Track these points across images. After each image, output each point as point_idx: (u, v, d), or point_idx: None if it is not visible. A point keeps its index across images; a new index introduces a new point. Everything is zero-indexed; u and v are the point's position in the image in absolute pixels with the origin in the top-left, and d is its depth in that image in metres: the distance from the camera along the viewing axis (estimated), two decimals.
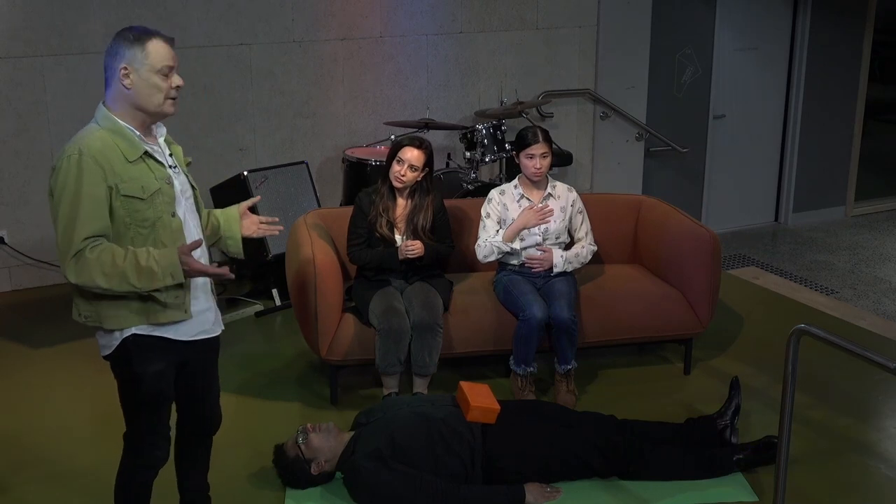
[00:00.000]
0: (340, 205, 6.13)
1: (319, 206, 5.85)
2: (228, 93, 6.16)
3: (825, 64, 7.76)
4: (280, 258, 5.21)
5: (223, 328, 3.17)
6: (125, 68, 2.81)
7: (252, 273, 5.94)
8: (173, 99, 2.88)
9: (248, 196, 5.53)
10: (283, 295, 5.51)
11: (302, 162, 5.98)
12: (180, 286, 2.87)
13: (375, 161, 5.78)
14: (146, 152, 2.87)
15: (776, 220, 8.10)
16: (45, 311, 5.63)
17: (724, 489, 3.81)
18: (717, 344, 5.17)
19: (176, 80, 2.87)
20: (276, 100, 6.30)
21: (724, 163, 7.73)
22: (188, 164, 3.13)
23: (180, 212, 2.94)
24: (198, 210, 3.09)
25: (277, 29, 6.19)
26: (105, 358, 3.03)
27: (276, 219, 3.29)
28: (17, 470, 3.96)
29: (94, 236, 2.78)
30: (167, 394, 3.05)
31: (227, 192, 5.69)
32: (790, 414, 3.19)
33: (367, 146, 6.28)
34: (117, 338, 2.92)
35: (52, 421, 4.37)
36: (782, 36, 7.68)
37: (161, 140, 2.99)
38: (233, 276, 2.92)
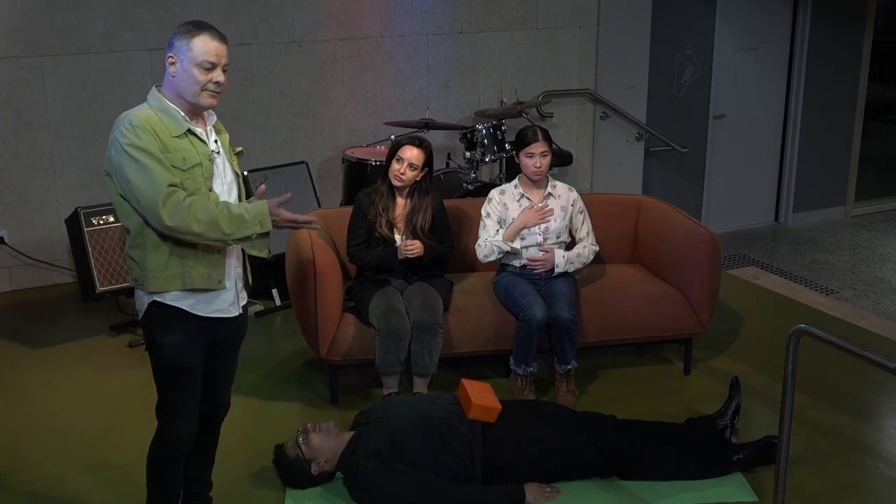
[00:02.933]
0: (340, 205, 6.13)
1: (319, 206, 5.85)
2: (228, 93, 6.13)
3: (825, 64, 7.76)
4: (280, 258, 5.21)
5: (240, 312, 3.25)
6: (171, 56, 3.00)
7: (252, 273, 5.93)
8: (211, 92, 3.02)
9: (248, 196, 5.54)
10: (283, 295, 5.51)
11: (302, 162, 5.98)
12: (213, 265, 3.07)
13: (375, 161, 5.78)
14: (189, 129, 3.03)
15: (776, 220, 8.10)
16: (45, 311, 5.64)
17: (724, 489, 3.81)
18: (717, 344, 5.17)
19: (216, 75, 3.00)
20: (276, 100, 6.30)
21: (724, 163, 7.73)
22: (238, 154, 3.31)
23: (217, 188, 3.10)
24: (239, 199, 3.24)
25: (277, 29, 6.19)
26: (140, 324, 3.22)
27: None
28: (16, 470, 3.96)
29: (173, 185, 2.95)
30: (186, 367, 3.12)
31: None
32: (790, 414, 3.19)
33: (367, 146, 6.28)
34: (145, 301, 3.09)
35: (51, 421, 4.37)
36: (782, 36, 7.68)
37: (210, 126, 3.15)
38: (318, 226, 3.25)
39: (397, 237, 4.49)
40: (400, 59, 6.56)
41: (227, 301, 3.18)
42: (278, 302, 5.66)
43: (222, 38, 3.04)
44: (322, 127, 6.47)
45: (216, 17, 5.99)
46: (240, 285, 3.26)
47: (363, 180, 5.66)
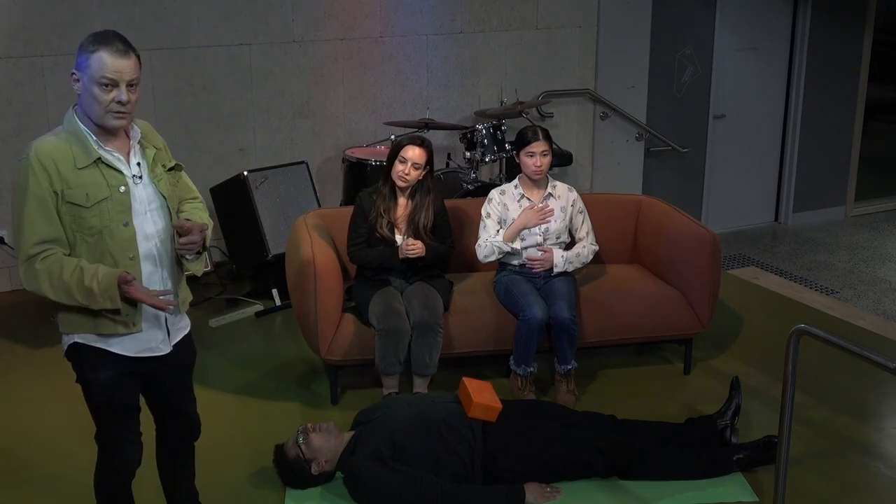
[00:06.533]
0: (340, 205, 6.13)
1: (319, 206, 5.85)
2: (228, 93, 6.16)
3: (825, 64, 7.76)
4: (280, 258, 5.21)
5: (171, 348, 3.00)
6: (74, 73, 2.77)
7: (252, 273, 5.94)
8: (115, 113, 2.75)
9: (248, 196, 5.55)
10: (283, 295, 5.50)
11: (302, 162, 5.98)
12: (131, 304, 2.83)
13: (375, 161, 5.79)
14: (99, 159, 2.79)
15: (776, 220, 8.10)
16: (44, 311, 5.62)
17: (724, 489, 3.80)
18: (717, 344, 5.17)
19: (118, 94, 2.73)
20: (276, 100, 6.30)
21: (724, 163, 7.73)
22: (171, 169, 3.01)
23: (137, 221, 2.85)
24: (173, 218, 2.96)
25: (277, 29, 6.19)
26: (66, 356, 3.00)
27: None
28: (16, 470, 3.96)
29: (43, 241, 2.74)
30: (124, 402, 2.96)
31: (227, 193, 5.69)
32: (790, 414, 3.19)
33: (367, 146, 6.28)
34: (65, 341, 2.92)
35: (51, 421, 4.36)
36: (782, 36, 7.68)
37: (135, 143, 2.89)
38: (171, 308, 2.85)
39: (398, 237, 4.49)
40: (400, 59, 6.56)
41: (157, 339, 2.94)
42: (278, 302, 5.66)
43: (126, 52, 2.73)
44: (322, 127, 6.46)
45: (216, 17, 5.99)
46: (175, 317, 3.00)
47: (363, 180, 5.66)
